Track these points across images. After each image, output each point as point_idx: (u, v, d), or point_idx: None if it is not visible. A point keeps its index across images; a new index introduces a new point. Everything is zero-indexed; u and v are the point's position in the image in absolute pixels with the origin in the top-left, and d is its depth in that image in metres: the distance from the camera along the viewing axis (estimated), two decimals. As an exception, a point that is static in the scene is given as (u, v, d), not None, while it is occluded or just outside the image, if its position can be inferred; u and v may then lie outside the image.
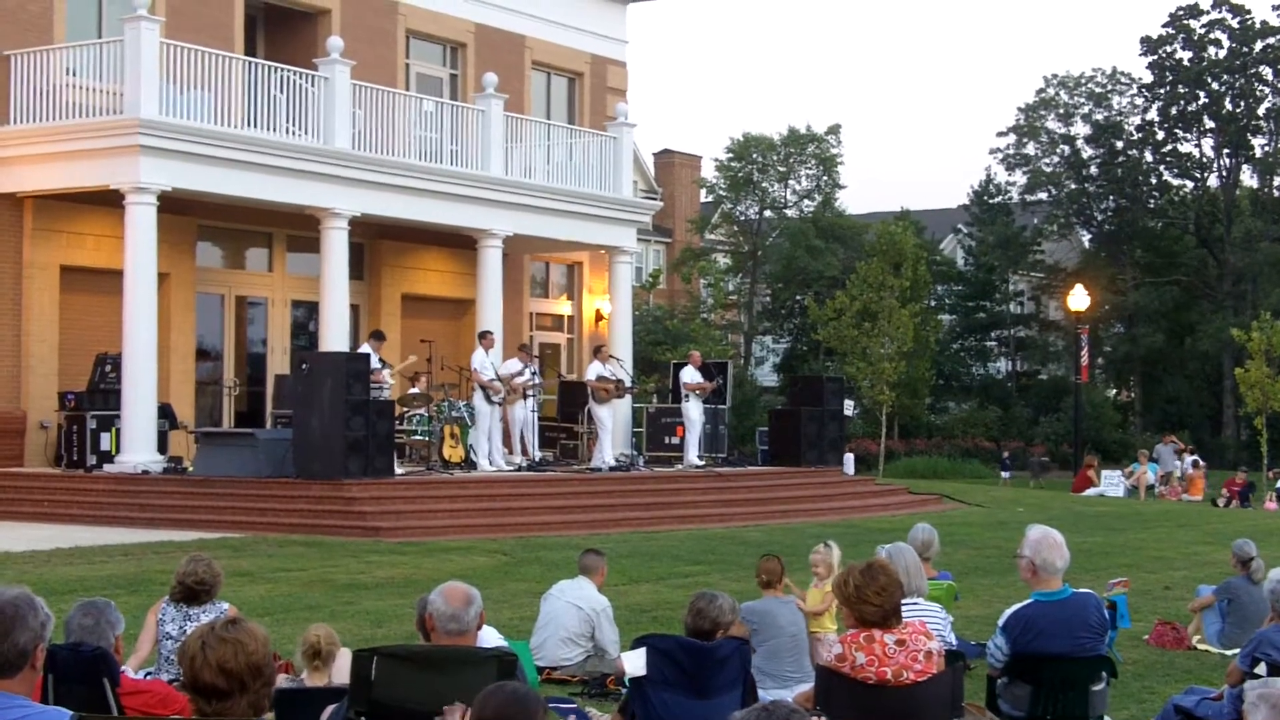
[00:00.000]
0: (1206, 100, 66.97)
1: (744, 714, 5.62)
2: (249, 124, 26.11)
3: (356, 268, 29.48)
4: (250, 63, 26.81)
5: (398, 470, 24.59)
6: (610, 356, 29.02)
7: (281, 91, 26.66)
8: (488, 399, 26.43)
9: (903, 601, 9.23)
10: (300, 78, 27.00)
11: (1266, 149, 67.94)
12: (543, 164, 31.44)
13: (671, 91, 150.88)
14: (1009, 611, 9.08)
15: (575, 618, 12.41)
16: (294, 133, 26.84)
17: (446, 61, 33.34)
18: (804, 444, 31.34)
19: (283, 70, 26.86)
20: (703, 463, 30.20)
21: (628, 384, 29.50)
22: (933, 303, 61.56)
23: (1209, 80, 66.56)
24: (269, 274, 30.00)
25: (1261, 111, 67.12)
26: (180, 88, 25.29)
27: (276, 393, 28.28)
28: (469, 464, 26.41)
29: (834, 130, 62.87)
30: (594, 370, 28.47)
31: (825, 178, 63.49)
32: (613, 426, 28.77)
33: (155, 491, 23.92)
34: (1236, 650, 10.81)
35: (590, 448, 29.10)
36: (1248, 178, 69.57)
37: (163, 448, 25.62)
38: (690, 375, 29.98)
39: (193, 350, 28.38)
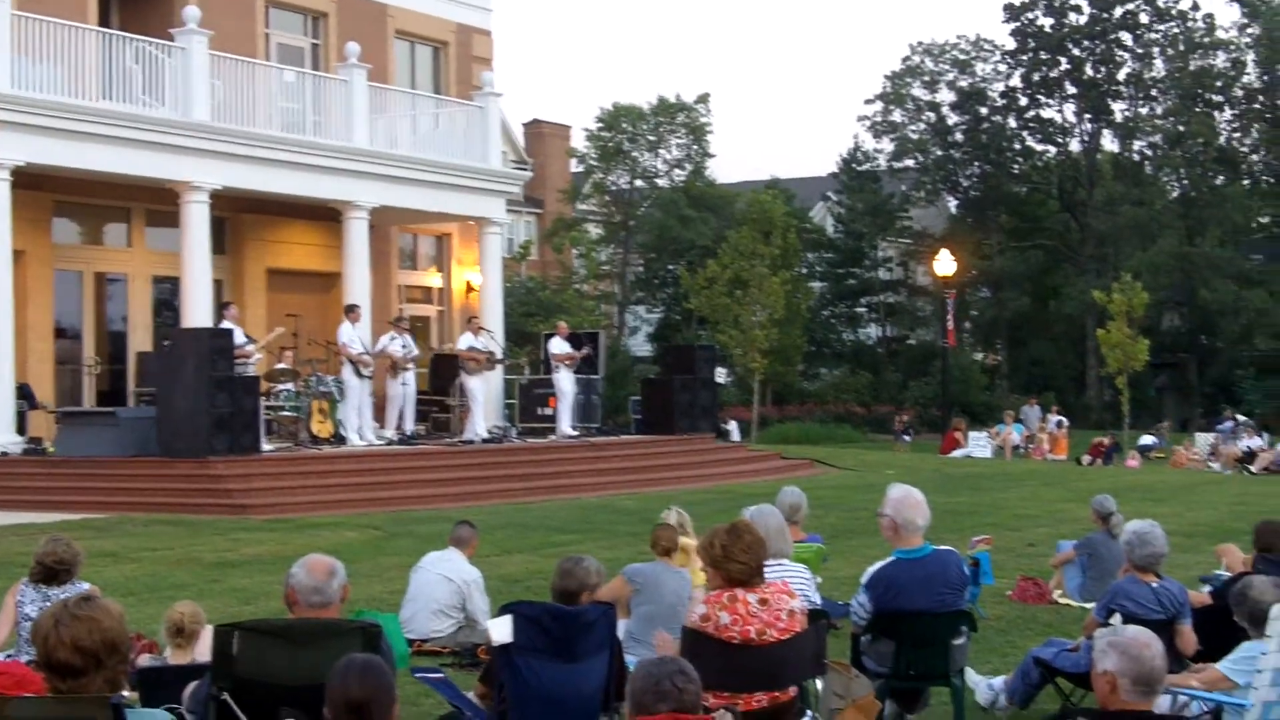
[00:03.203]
0: (1068, 66, 67.93)
1: (640, 665, 5.64)
2: (105, 96, 25.62)
3: (219, 242, 29.03)
4: (104, 34, 26.27)
5: (265, 447, 24.33)
6: (481, 328, 28.88)
7: (137, 63, 26.19)
8: (357, 373, 26.21)
9: (767, 563, 9.29)
10: (157, 49, 26.52)
11: (1126, 114, 69.12)
12: (408, 134, 31.17)
13: (540, 61, 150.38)
14: (871, 570, 9.16)
15: (446, 589, 12.34)
16: (151, 105, 26.37)
17: (308, 31, 32.87)
18: (677, 412, 31.42)
19: (138, 41, 26.37)
20: (576, 433, 30.20)
21: (498, 355, 29.38)
22: (803, 270, 61.92)
23: (1070, 46, 67.51)
24: (128, 250, 29.44)
25: (1121, 77, 68.23)
26: (32, 60, 24.74)
27: (139, 371, 27.84)
28: (338, 439, 26.19)
29: (703, 99, 63.00)
30: (464, 341, 28.32)
31: (695, 147, 63.63)
32: (485, 398, 28.65)
33: (15, 473, 23.46)
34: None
35: (462, 420, 28.94)
36: (1109, 142, 70.80)
37: (22, 429, 25.16)
38: (558, 346, 29.93)
39: (51, 329, 27.80)
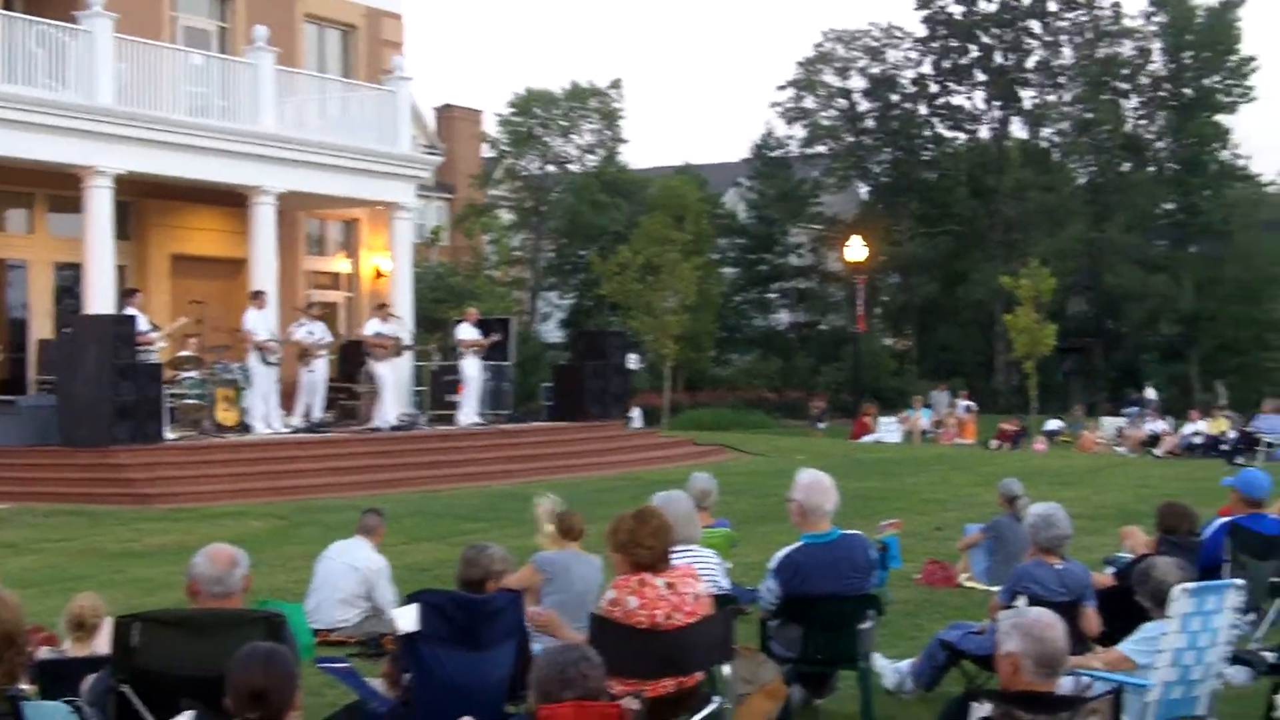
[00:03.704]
0: (978, 54, 68.49)
1: (544, 653, 5.61)
2: (7, 80, 25.14)
3: (123, 228, 28.60)
4: (7, 17, 25.78)
5: (169, 435, 24.05)
6: (390, 314, 28.68)
7: (40, 46, 25.75)
8: (263, 360, 25.96)
9: (676, 549, 9.26)
10: (61, 32, 26.09)
11: (1035, 101, 69.76)
12: (317, 119, 30.86)
13: (451, 45, 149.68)
14: (779, 555, 9.17)
15: (352, 579, 12.26)
16: (55, 89, 25.93)
17: (215, 14, 32.44)
18: (588, 399, 31.37)
19: (41, 24, 25.94)
20: (483, 420, 30.07)
21: (407, 342, 29.19)
22: (715, 256, 62.02)
23: (980, 34, 68.06)
24: (30, 236, 28.96)
25: (1030, 64, 68.86)
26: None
27: (40, 359, 27.39)
28: (244, 427, 25.91)
29: (616, 85, 62.94)
30: (371, 327, 28.12)
31: (608, 132, 63.53)
32: (394, 385, 28.47)
33: (-86, 463, 23.05)
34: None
35: (370, 408, 28.72)
36: (1018, 129, 71.38)
37: (-80, 418, 24.70)
38: (466, 332, 29.77)
39: (-51, 317, 27.36)
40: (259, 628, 6.88)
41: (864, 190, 73.94)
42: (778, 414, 52.16)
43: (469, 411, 29.82)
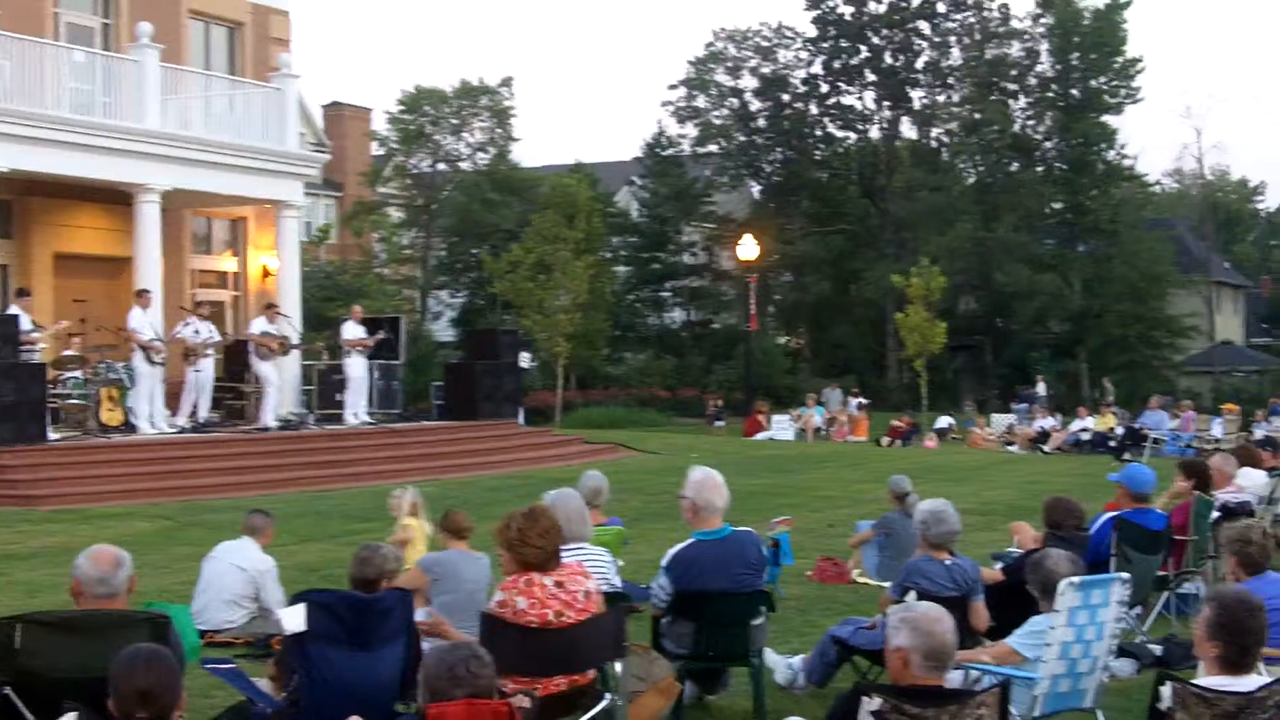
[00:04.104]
0: (868, 54, 68.99)
1: (433, 651, 5.55)
2: (-115, 77, 24.68)
3: (5, 226, 28.22)
4: (-115, 13, 25.31)
5: (52, 436, 23.69)
6: (278, 313, 28.40)
7: (-83, 41, 25.26)
8: (148, 360, 25.59)
9: (567, 547, 9.22)
10: (-61, 28, 25.61)
11: (925, 101, 70.40)
12: (202, 116, 30.46)
13: (340, 43, 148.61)
14: (671, 551, 9.17)
15: (238, 579, 12.14)
16: (-67, 85, 25.46)
17: (99, 10, 31.95)
18: (480, 398, 31.24)
19: (-83, 19, 25.45)
20: (372, 420, 29.86)
21: (294, 341, 28.91)
22: (608, 254, 62.02)
23: (870, 35, 68.58)
24: (-88, 235, 28.44)
25: (920, 65, 69.49)
26: None
27: (-79, 359, 26.85)
28: (129, 427, 25.54)
29: (506, 83, 62.78)
30: (257, 326, 27.81)
31: (499, 130, 63.35)
32: (280, 384, 28.18)
33: None
34: (893, 581, 11.11)
35: (257, 407, 28.41)
36: (907, 129, 72.06)
37: None
38: (351, 331, 29.54)
39: None
40: (143, 629, 6.82)
41: (756, 189, 74.26)
42: (671, 412, 52.23)
43: (359, 411, 29.59)
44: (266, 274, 33.69)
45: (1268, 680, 6.23)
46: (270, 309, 28.41)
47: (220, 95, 31.54)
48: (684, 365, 62.24)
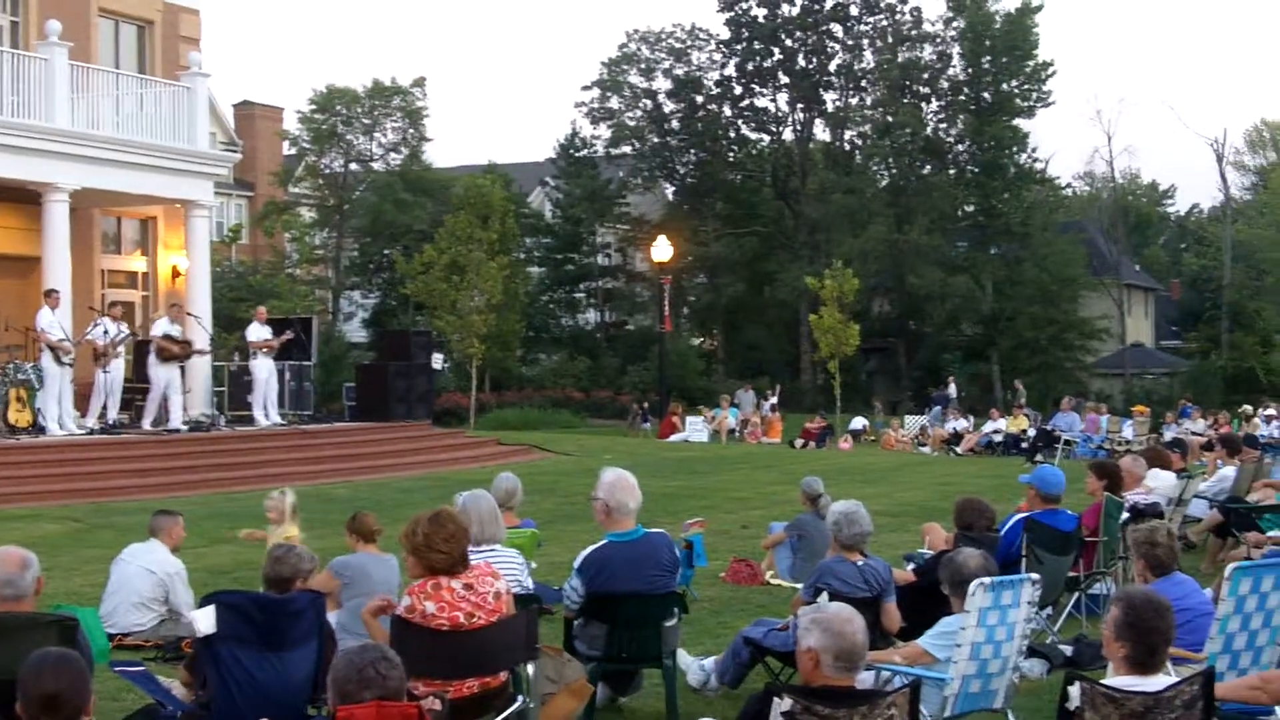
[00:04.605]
0: (781, 57, 69.24)
1: (341, 654, 5.51)
2: None
3: (-91, 225, 27.71)
4: None
5: (-42, 437, 23.31)
6: (186, 314, 28.11)
7: None
8: (57, 360, 25.25)
9: (479, 548, 9.19)
10: None
11: (837, 104, 70.77)
12: (112, 115, 30.11)
13: (251, 41, 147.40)
14: (584, 553, 9.16)
15: (147, 582, 12.00)
16: None
17: (6, 8, 31.51)
18: (392, 399, 31.11)
19: None
20: (283, 421, 29.63)
21: (202, 344, 28.55)
22: (522, 255, 61.89)
23: (783, 37, 68.82)
24: None
25: (832, 68, 69.81)
26: None
27: None
28: (37, 428, 25.21)
29: (419, 83, 62.46)
30: (160, 327, 27.45)
31: (411, 130, 63.05)
32: (180, 387, 27.82)
33: None
34: (806, 582, 11.14)
35: (166, 409, 28.10)
36: (821, 132, 72.33)
37: None
38: (256, 332, 29.28)
39: None
40: (51, 631, 6.79)
41: (670, 191, 74.35)
42: (586, 414, 52.20)
43: (270, 411, 29.36)
44: (176, 274, 33.35)
45: (1175, 680, 6.30)
46: (175, 309, 28.14)
47: (130, 94, 31.19)
48: (598, 367, 62.22)
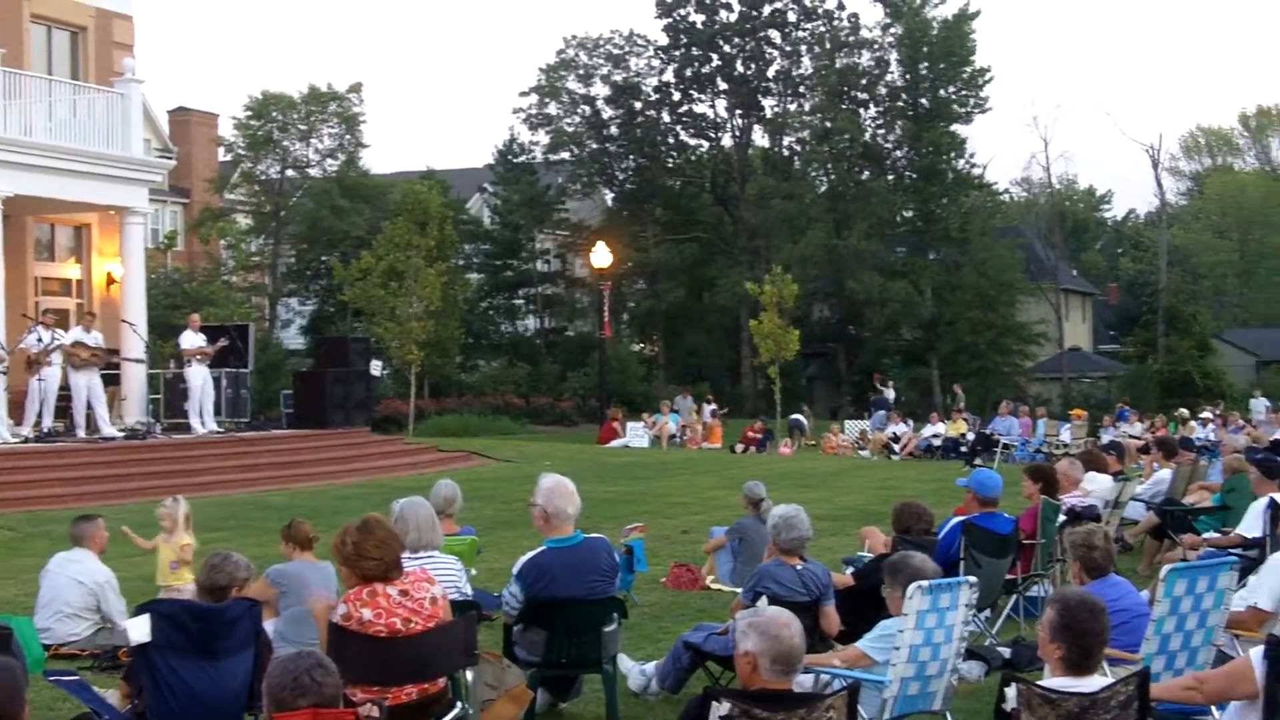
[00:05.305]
0: (719, 62, 69.32)
1: (276, 661, 5.47)
2: None
3: None
4: None
5: (-110, 446, 23.04)
6: (94, 322, 27.87)
7: None
8: (-11, 369, 25.03)
9: (417, 555, 9.15)
10: None
11: (776, 110, 70.90)
12: (44, 121, 29.83)
13: (186, 47, 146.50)
14: (523, 559, 9.14)
15: (78, 592, 11.92)
16: None
17: (-63, 14, 31.25)
18: (330, 406, 30.96)
19: None
20: (220, 428, 29.43)
21: (137, 352, 28.31)
22: (460, 262, 61.65)
23: (721, 43, 68.93)
24: None
25: (771, 74, 69.90)
26: None
27: None
28: (-30, 438, 24.97)
29: (356, 89, 62.12)
30: (71, 335, 27.14)
31: (348, 137, 62.67)
32: (102, 394, 27.56)
33: None
34: (747, 587, 11.14)
35: (111, 414, 27.83)
36: (759, 138, 72.46)
37: None
38: (189, 340, 29.07)
39: None
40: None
41: (609, 197, 74.31)
42: (525, 420, 52.10)
43: (206, 419, 29.15)
44: (111, 281, 33.06)
45: (1111, 681, 6.34)
46: (89, 316, 27.97)
47: (63, 100, 30.91)
48: (538, 373, 62.11)
